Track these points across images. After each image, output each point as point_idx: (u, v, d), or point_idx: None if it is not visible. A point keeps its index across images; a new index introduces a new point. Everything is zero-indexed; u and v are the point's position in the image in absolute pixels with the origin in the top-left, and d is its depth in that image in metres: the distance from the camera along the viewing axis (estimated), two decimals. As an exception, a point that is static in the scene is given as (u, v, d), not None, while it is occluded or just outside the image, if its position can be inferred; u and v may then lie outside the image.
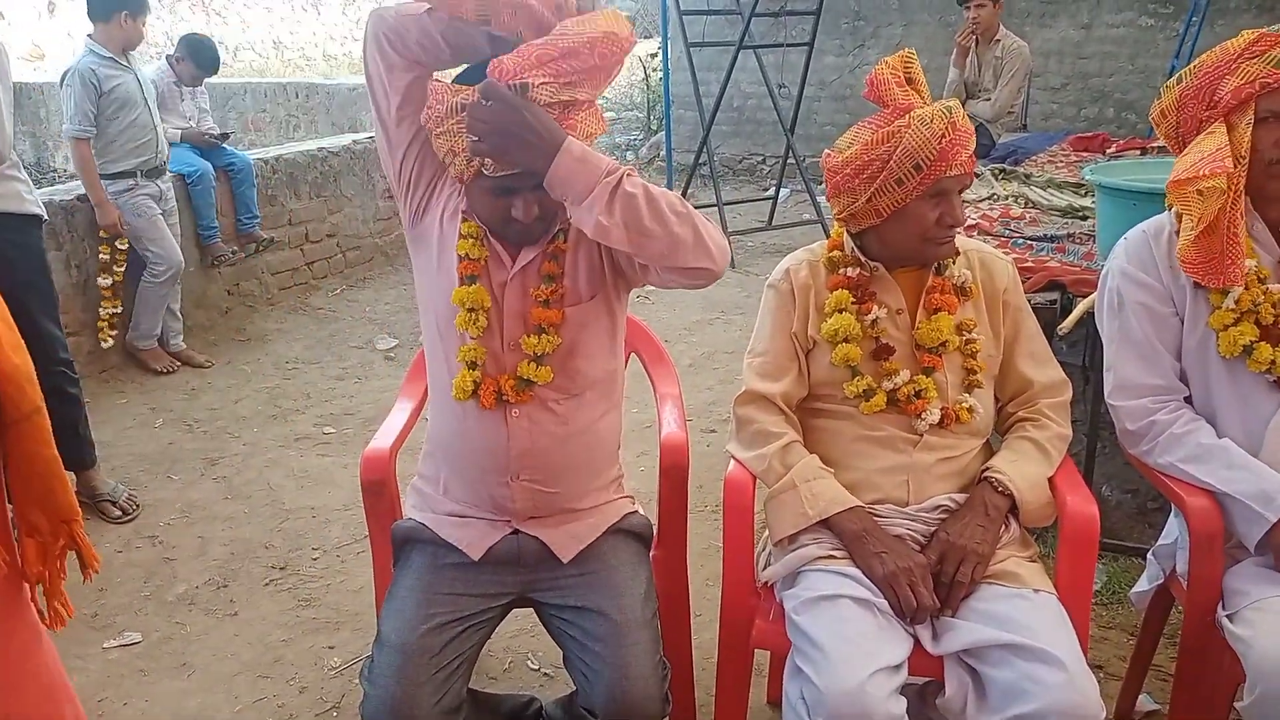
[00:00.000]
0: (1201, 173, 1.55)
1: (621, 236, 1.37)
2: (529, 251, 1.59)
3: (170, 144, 4.72)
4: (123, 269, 4.29)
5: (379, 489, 1.85)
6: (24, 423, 1.10)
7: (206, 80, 4.93)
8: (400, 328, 4.97)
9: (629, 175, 1.39)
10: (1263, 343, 1.59)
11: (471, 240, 1.57)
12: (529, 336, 1.57)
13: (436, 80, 1.51)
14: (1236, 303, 1.60)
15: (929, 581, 1.53)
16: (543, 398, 1.60)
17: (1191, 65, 1.66)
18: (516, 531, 1.65)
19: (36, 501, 1.16)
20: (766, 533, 1.72)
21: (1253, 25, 1.69)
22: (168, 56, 4.86)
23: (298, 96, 8.40)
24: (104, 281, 4.25)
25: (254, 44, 16.68)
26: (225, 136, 5.04)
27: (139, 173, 4.23)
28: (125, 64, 4.13)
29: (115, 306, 4.32)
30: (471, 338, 1.58)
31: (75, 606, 1.36)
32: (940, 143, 1.54)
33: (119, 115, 4.11)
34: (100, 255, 4.24)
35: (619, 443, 1.78)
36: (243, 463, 3.55)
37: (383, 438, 1.91)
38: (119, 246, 4.25)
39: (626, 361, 2.04)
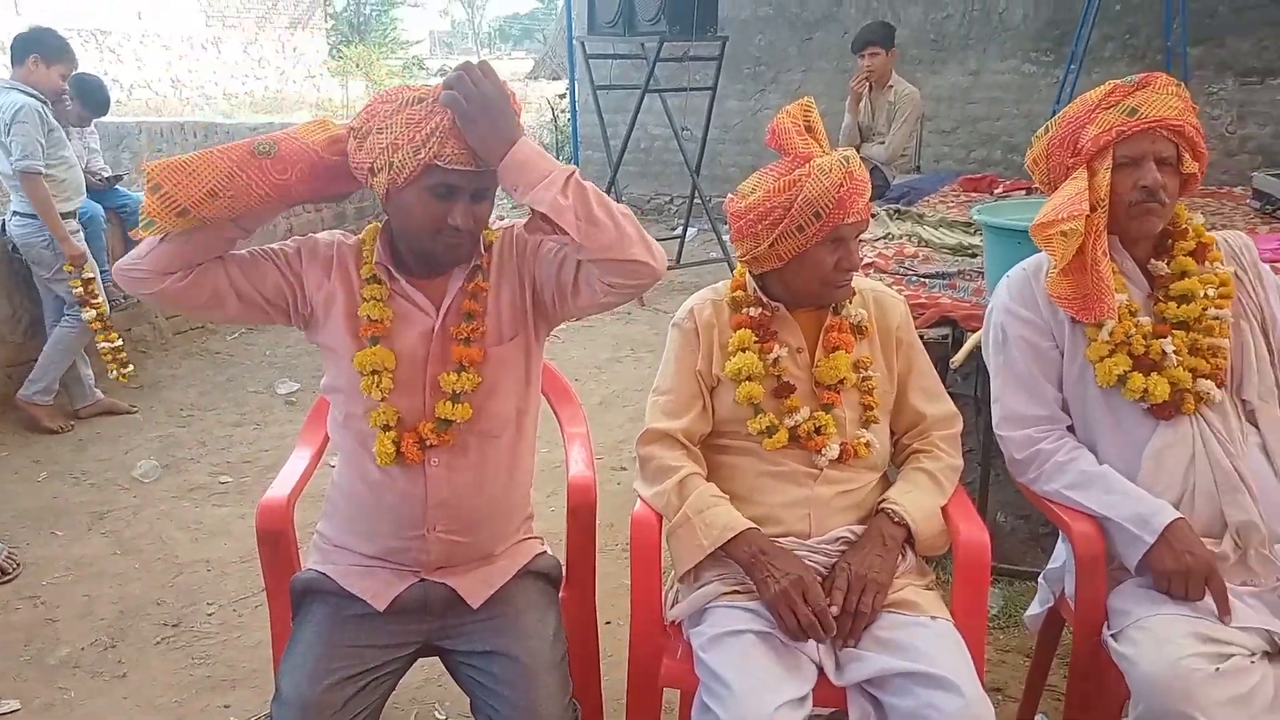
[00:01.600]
0: (1060, 216, 1.65)
1: (573, 220, 1.38)
2: (450, 291, 1.59)
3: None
4: (100, 299, 4.08)
5: (276, 540, 1.79)
6: None
7: (98, 120, 4.78)
8: (301, 371, 4.86)
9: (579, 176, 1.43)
10: (1135, 372, 1.68)
11: (375, 302, 1.57)
12: (448, 374, 1.56)
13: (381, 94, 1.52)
14: (1110, 335, 1.69)
15: (816, 592, 1.55)
16: (463, 442, 1.59)
17: (1056, 116, 1.77)
18: (424, 579, 1.62)
19: None
20: (673, 571, 1.73)
21: (1125, 72, 1.82)
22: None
23: (196, 136, 8.19)
24: (88, 315, 4.05)
25: (150, 82, 16.25)
26: (118, 179, 4.88)
27: (75, 215, 4.11)
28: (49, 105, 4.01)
29: (112, 339, 4.14)
30: (379, 400, 1.56)
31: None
32: (838, 191, 1.60)
33: (58, 156, 3.98)
34: (74, 289, 4.03)
35: (532, 483, 1.78)
36: (133, 516, 3.40)
37: (280, 486, 1.86)
38: (86, 275, 4.04)
39: (539, 404, 2.04)
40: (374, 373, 1.56)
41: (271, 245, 1.62)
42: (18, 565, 3.02)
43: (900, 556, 1.66)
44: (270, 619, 1.85)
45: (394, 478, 1.59)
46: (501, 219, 1.65)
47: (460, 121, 1.41)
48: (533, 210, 1.41)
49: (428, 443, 1.56)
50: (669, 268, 6.75)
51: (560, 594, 1.77)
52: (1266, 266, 1.81)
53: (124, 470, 3.77)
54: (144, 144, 8.43)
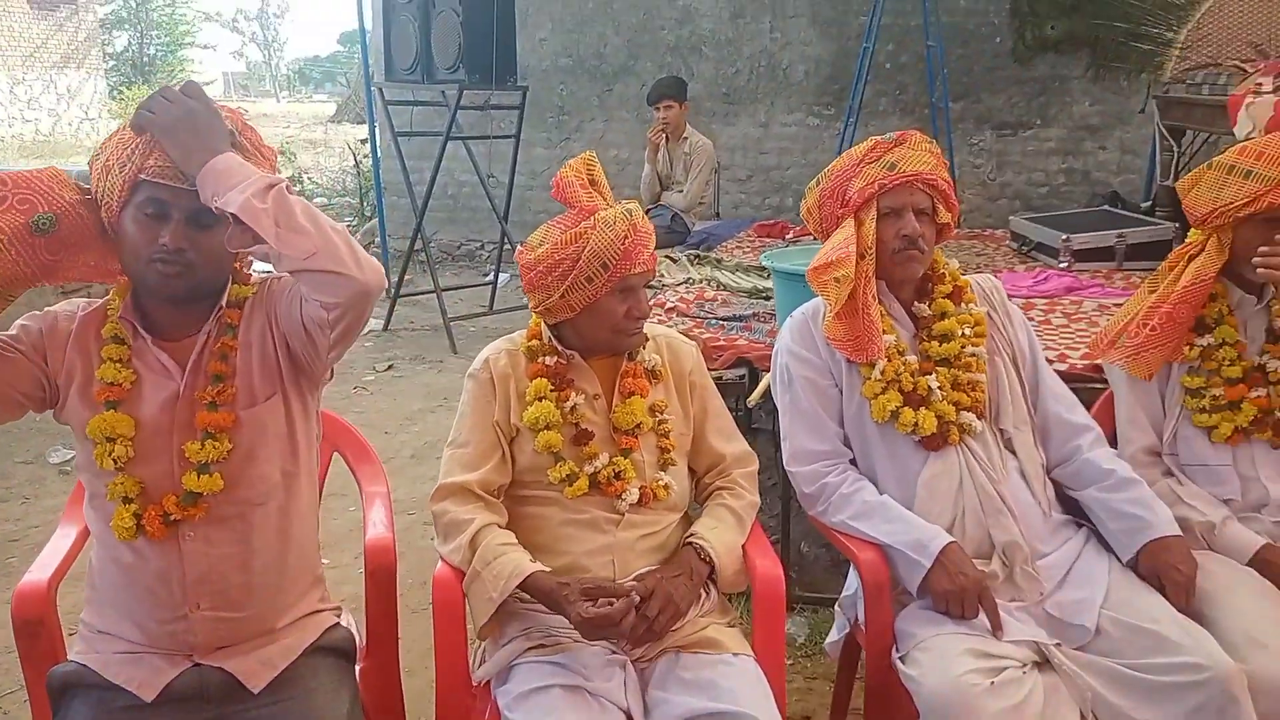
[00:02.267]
0: (832, 259, 1.76)
1: (270, 226, 1.31)
2: (195, 350, 1.50)
3: None
4: None
5: (35, 630, 1.62)
6: None
7: None
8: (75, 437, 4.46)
9: (290, 187, 1.37)
10: (906, 407, 1.80)
11: (115, 364, 1.47)
12: (193, 443, 1.47)
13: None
14: (882, 373, 1.81)
15: (607, 589, 1.56)
16: (219, 512, 1.49)
17: (825, 170, 1.89)
18: (198, 664, 1.50)
19: None
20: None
21: (898, 124, 1.97)
22: None
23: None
24: None
25: (-105, 124, 14.70)
26: None
27: None
28: None
29: None
30: (116, 469, 1.46)
31: None
32: (624, 243, 1.64)
33: None
34: None
35: (317, 547, 1.69)
36: None
37: (40, 570, 1.68)
38: None
39: (329, 461, 1.95)
40: (108, 440, 1.45)
41: (8, 332, 1.50)
42: None
43: (705, 594, 1.70)
44: (32, 718, 1.67)
45: (146, 556, 1.47)
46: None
47: (159, 136, 1.37)
48: (232, 220, 1.34)
49: (173, 517, 1.46)
50: (481, 314, 6.74)
51: (360, 665, 1.69)
52: (1015, 305, 1.99)
53: None
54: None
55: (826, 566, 3.11)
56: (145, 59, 26.76)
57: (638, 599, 1.54)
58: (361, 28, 6.99)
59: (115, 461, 1.45)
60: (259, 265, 1.51)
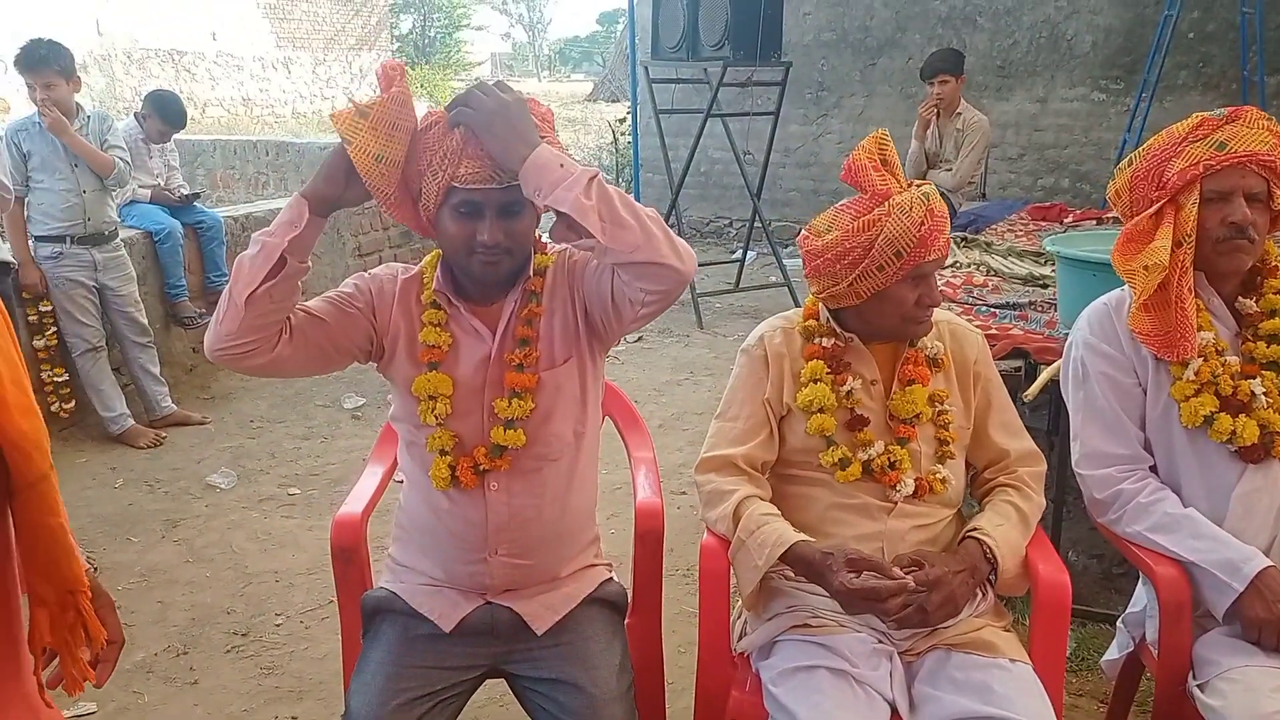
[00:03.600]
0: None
1: (597, 221, 1.36)
2: (504, 316, 1.60)
3: (140, 202, 4.69)
4: (53, 331, 4.10)
5: (350, 556, 1.82)
6: (29, 490, 1.07)
7: (176, 136, 4.93)
8: (368, 386, 4.93)
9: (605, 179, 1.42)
10: (1223, 413, 1.63)
11: (435, 328, 1.59)
12: (501, 400, 1.57)
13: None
14: (1196, 374, 1.65)
15: (872, 560, 1.51)
16: (520, 465, 1.60)
17: (1140, 149, 1.73)
18: (490, 602, 1.63)
19: (41, 571, 1.13)
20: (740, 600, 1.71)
21: (1199, 101, 1.79)
22: (135, 114, 4.86)
23: (268, 154, 8.41)
24: (37, 343, 4.07)
25: (223, 100, 16.74)
26: (196, 196, 5.02)
27: (68, 239, 4.03)
28: (42, 127, 3.92)
29: (58, 374, 4.13)
30: (437, 424, 1.58)
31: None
32: (920, 230, 1.58)
33: (37, 179, 3.97)
34: (29, 317, 4.05)
35: (595, 505, 1.78)
36: (205, 525, 3.48)
37: (354, 503, 1.88)
38: (43, 309, 4.07)
39: (601, 424, 2.04)
40: (430, 398, 1.57)
41: (343, 290, 1.64)
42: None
43: (981, 594, 1.63)
44: (342, 634, 1.87)
45: (455, 502, 1.60)
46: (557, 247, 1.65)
47: (478, 132, 1.42)
48: (558, 214, 1.40)
49: (482, 468, 1.57)
50: (728, 291, 6.79)
51: (626, 621, 1.77)
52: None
53: (196, 479, 3.87)
54: (218, 161, 8.68)
55: (1096, 578, 2.90)
56: (426, 40, 28.95)
57: (912, 584, 1.49)
58: (632, 6, 7.18)
59: (437, 417, 1.58)
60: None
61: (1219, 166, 1.62)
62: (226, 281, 1.50)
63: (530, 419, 1.58)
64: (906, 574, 1.50)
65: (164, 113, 4.73)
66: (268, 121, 17.05)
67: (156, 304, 4.68)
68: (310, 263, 1.54)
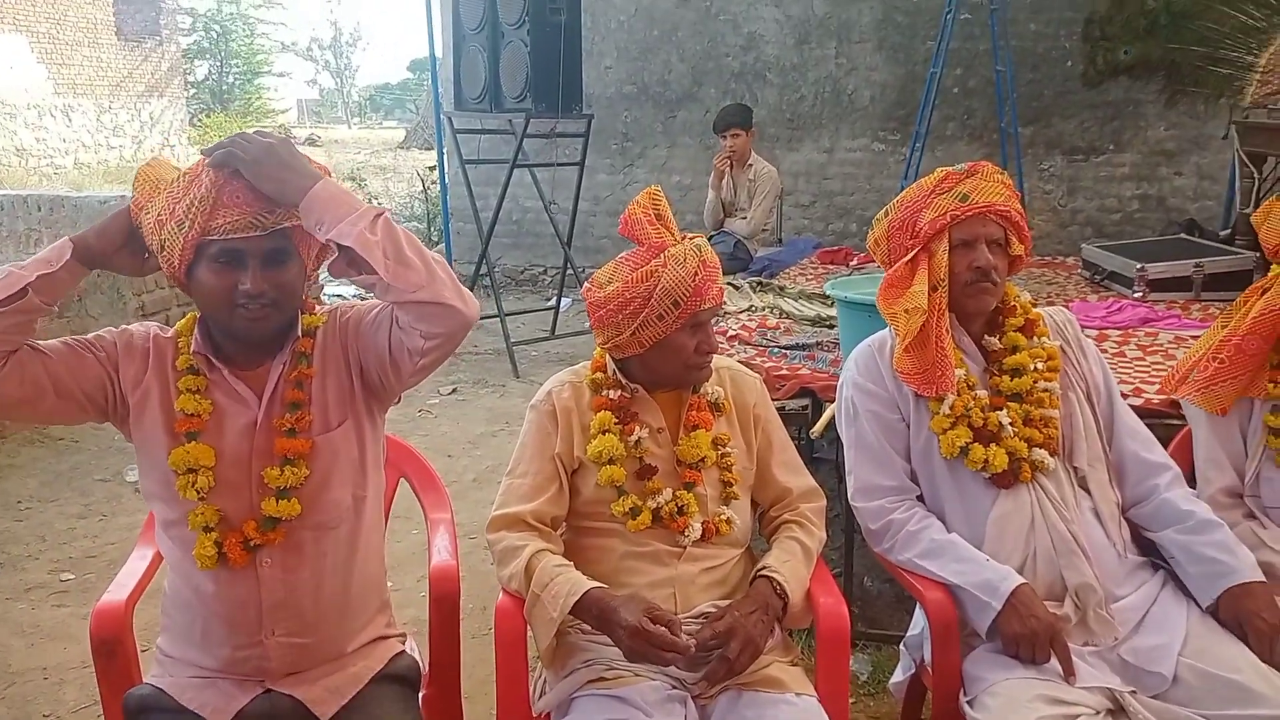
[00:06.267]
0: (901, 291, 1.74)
1: (381, 258, 1.33)
2: (271, 379, 1.53)
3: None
4: None
5: (112, 649, 1.66)
6: None
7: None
8: (156, 456, 4.60)
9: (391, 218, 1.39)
10: (976, 443, 1.76)
11: (193, 395, 1.50)
12: (273, 469, 1.49)
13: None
14: (951, 408, 1.77)
15: (661, 634, 1.50)
16: (295, 537, 1.52)
17: (894, 201, 1.87)
18: (270, 690, 1.53)
19: None
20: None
21: (965, 150, 1.95)
22: None
23: (40, 209, 7.76)
24: None
25: (-7, 151, 15.40)
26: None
27: None
28: None
29: None
30: (199, 499, 1.49)
31: None
32: (694, 280, 1.64)
33: None
34: None
35: (384, 572, 1.71)
36: (-40, 621, 3.11)
37: (117, 590, 1.73)
38: None
39: (396, 485, 1.98)
40: (189, 471, 1.48)
41: (86, 336, 1.53)
42: None
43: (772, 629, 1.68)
44: (106, 736, 1.71)
45: (224, 583, 1.50)
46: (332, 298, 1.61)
47: (246, 171, 1.38)
48: (339, 248, 1.37)
49: (253, 543, 1.49)
50: (544, 339, 6.80)
51: (423, 693, 1.70)
52: (1088, 340, 1.94)
53: (-51, 572, 3.46)
54: (-17, 216, 7.95)
55: (890, 602, 3.05)
56: (224, 87, 27.72)
57: (690, 649, 1.50)
58: (432, 57, 7.15)
59: (198, 492, 1.48)
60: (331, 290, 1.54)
61: (963, 216, 1.77)
62: None
63: (305, 486, 1.51)
64: (699, 634, 1.53)
65: None
66: (45, 173, 15.78)
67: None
68: (56, 309, 1.45)
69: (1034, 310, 1.88)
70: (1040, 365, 1.81)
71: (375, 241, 1.34)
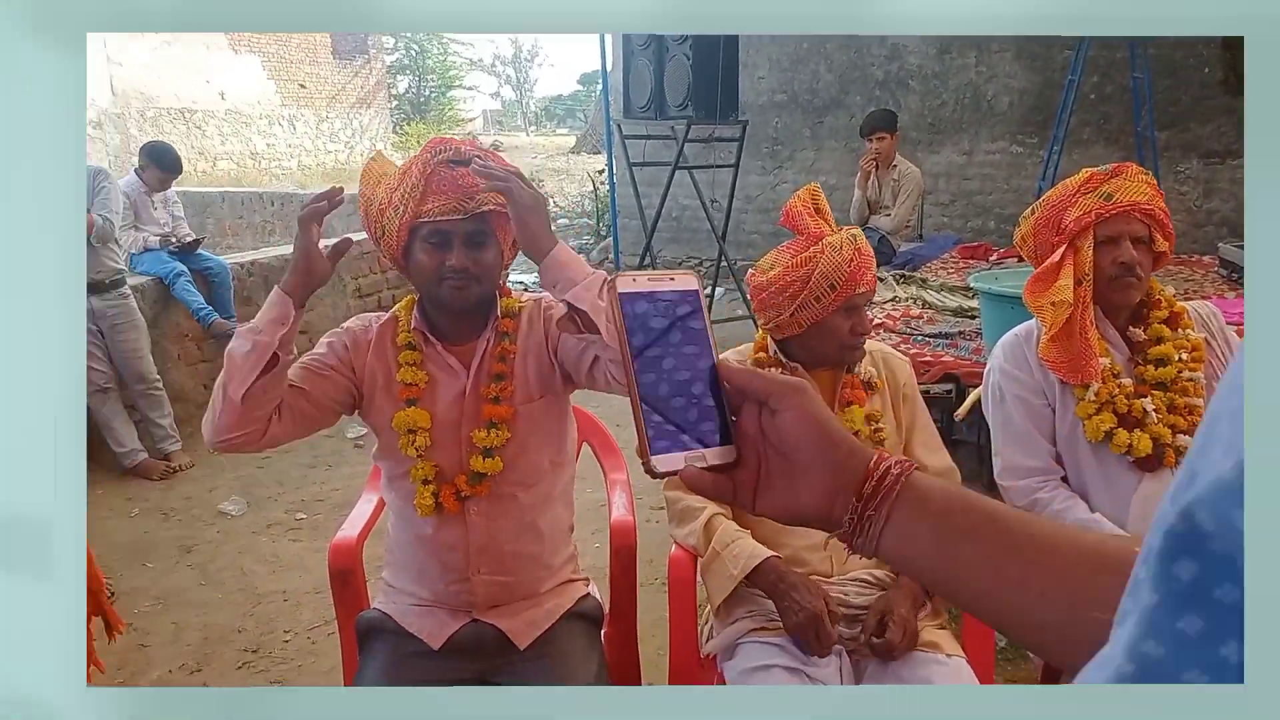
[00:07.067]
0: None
1: (605, 324, 1.33)
2: (478, 353, 1.61)
3: (151, 250, 4.67)
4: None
5: (346, 578, 1.81)
6: None
7: (186, 190, 4.88)
8: (367, 418, 4.93)
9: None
10: (1120, 428, 1.70)
11: (411, 367, 1.59)
12: (479, 430, 1.58)
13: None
14: (1096, 395, 1.71)
15: (827, 630, 1.54)
16: (499, 492, 1.61)
17: (1040, 200, 1.81)
18: (476, 620, 1.63)
19: None
20: (709, 606, 1.74)
21: (1103, 153, 1.87)
22: (135, 168, 4.77)
23: (273, 204, 8.41)
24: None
25: (232, 154, 16.72)
26: (198, 242, 4.91)
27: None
28: None
29: None
30: (418, 456, 1.58)
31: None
32: (850, 266, 1.65)
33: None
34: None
35: (571, 527, 1.80)
36: (216, 550, 3.46)
37: (350, 527, 1.88)
38: None
39: (579, 450, 2.07)
40: (410, 432, 1.57)
41: (316, 353, 1.61)
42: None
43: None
44: (342, 651, 1.87)
45: (438, 528, 1.60)
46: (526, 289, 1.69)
47: (512, 209, 1.39)
48: (569, 308, 1.39)
49: (464, 494, 1.58)
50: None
51: (604, 631, 1.79)
52: (1232, 332, 1.82)
53: (208, 507, 3.84)
54: (226, 211, 8.67)
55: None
56: (422, 99, 29.07)
57: (836, 643, 1.54)
58: (604, 70, 7.30)
59: (417, 450, 1.58)
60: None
61: (1108, 214, 1.70)
62: (234, 324, 1.51)
63: (507, 448, 1.59)
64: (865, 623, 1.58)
65: (159, 161, 4.66)
66: (275, 174, 17.02)
67: (170, 346, 4.65)
68: (295, 351, 1.50)
69: (1179, 304, 1.79)
70: (1184, 356, 1.73)
71: (603, 308, 1.35)
